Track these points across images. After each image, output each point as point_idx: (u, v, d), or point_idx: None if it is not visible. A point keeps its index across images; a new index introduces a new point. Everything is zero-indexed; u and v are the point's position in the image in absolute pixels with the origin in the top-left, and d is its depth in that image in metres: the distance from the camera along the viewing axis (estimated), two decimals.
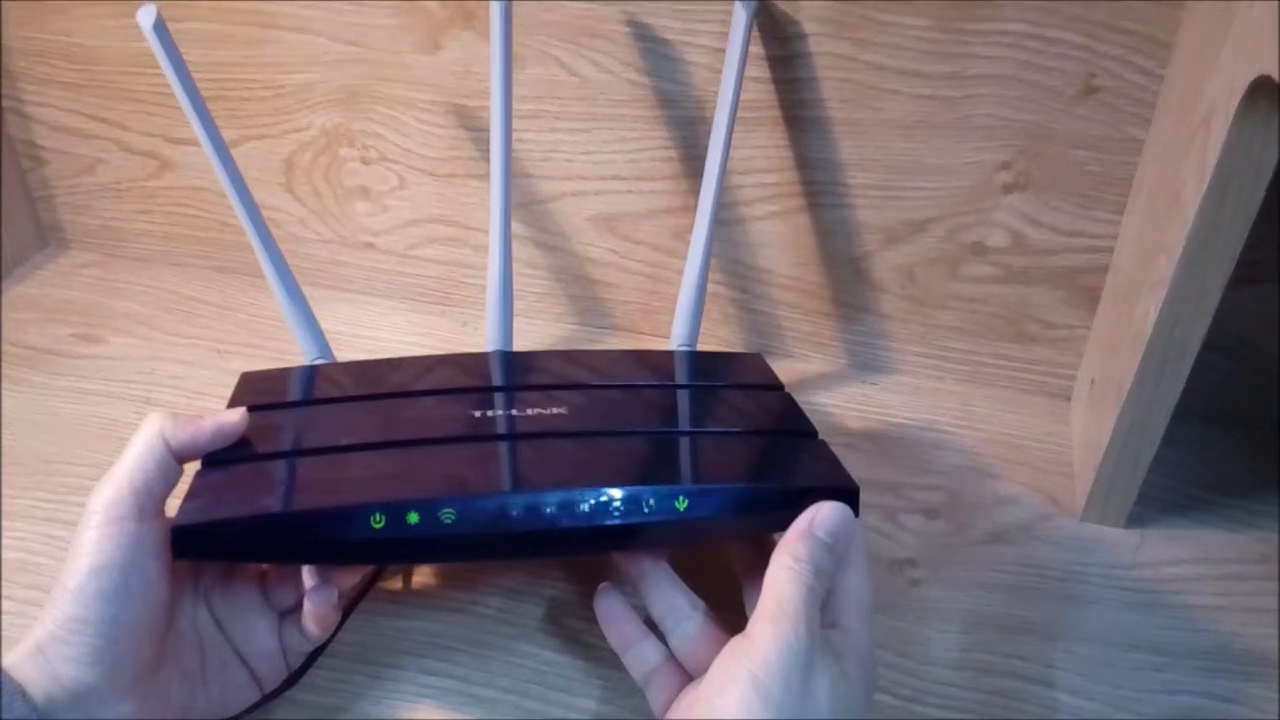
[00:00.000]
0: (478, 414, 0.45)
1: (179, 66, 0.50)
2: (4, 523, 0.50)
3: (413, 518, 0.38)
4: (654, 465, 0.42)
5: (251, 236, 0.52)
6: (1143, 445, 0.49)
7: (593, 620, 0.43)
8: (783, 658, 0.34)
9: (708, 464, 0.44)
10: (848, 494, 0.40)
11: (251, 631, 0.41)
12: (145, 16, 0.49)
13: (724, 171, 0.53)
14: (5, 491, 0.52)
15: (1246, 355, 0.56)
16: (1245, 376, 0.57)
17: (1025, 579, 0.50)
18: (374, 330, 0.66)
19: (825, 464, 0.43)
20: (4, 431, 0.56)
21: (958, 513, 0.53)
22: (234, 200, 0.52)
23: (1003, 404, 0.61)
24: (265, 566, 0.43)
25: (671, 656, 0.41)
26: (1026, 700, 0.44)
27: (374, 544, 0.39)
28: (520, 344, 0.56)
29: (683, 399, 0.49)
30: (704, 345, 0.56)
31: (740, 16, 0.51)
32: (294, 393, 0.48)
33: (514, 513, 0.39)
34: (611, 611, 0.42)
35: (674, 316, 0.55)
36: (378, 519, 0.38)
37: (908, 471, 0.56)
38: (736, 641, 0.36)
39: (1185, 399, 0.46)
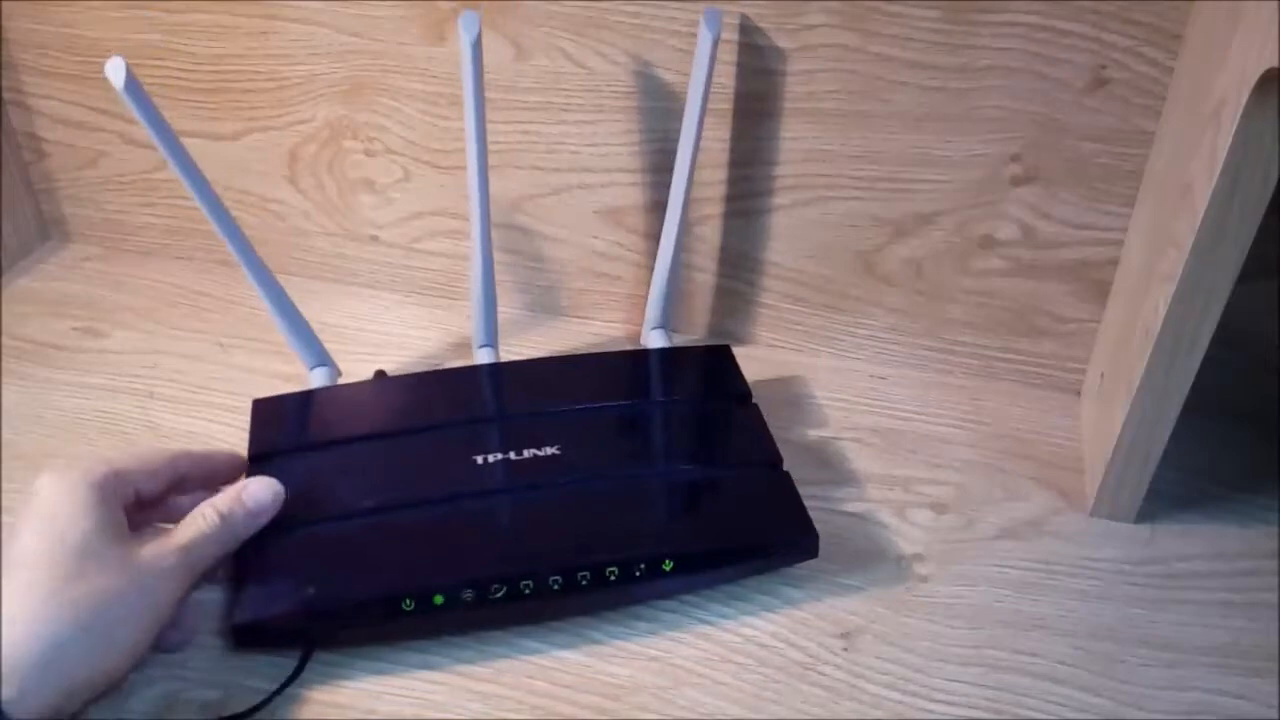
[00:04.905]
0: (479, 459, 0.50)
1: (155, 118, 0.48)
2: (5, 519, 0.50)
3: (438, 600, 0.44)
4: (641, 534, 0.47)
5: (242, 264, 0.53)
6: (1153, 439, 0.48)
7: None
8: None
9: (687, 528, 0.49)
10: (809, 539, 0.47)
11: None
12: (115, 73, 0.46)
13: (693, 170, 0.54)
14: (6, 486, 0.52)
15: (1256, 349, 0.56)
16: (1254, 370, 0.57)
17: (1034, 574, 0.49)
18: (379, 324, 0.66)
19: (789, 510, 0.48)
20: (5, 426, 0.56)
21: (966, 508, 0.53)
22: (224, 236, 0.52)
23: (1012, 398, 0.61)
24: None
25: None
26: (1035, 696, 0.44)
27: (403, 621, 0.44)
28: (524, 341, 0.56)
29: (657, 433, 0.54)
30: (712, 340, 0.56)
31: (705, 38, 0.51)
32: (306, 433, 0.53)
33: (525, 588, 0.44)
34: None
35: (647, 299, 0.57)
36: (408, 603, 0.43)
37: (916, 466, 0.55)
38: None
39: (1195, 393, 0.46)
